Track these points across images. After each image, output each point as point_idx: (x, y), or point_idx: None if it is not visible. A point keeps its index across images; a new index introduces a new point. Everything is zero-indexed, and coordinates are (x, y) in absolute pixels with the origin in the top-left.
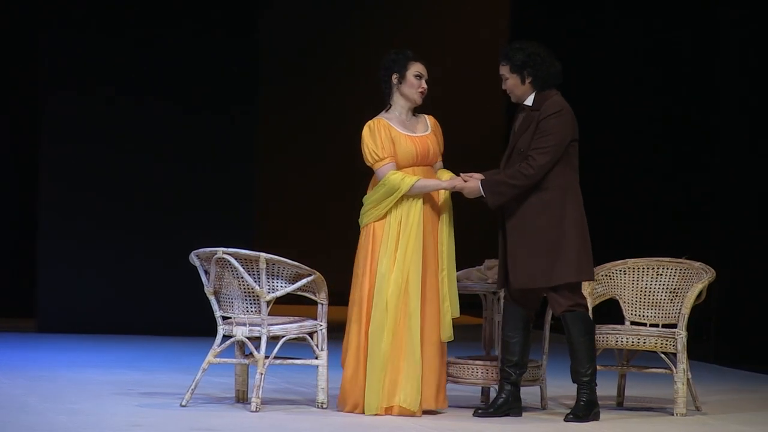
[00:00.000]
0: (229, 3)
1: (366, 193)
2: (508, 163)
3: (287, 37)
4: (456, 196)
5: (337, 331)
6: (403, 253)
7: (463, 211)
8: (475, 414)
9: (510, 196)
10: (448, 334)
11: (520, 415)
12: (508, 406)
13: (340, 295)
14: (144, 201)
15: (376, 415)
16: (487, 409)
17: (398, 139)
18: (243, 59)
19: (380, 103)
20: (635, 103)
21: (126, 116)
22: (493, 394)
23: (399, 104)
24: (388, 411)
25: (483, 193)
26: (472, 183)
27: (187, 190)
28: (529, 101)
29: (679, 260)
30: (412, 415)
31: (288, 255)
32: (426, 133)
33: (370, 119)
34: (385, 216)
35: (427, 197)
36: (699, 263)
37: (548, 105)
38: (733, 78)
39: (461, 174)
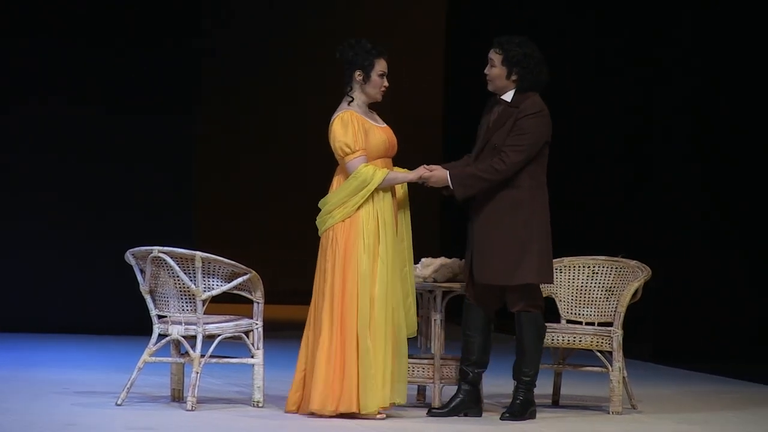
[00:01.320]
0: (180, 3)
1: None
2: (480, 157)
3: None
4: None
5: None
6: (385, 249)
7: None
8: (429, 413)
9: (478, 189)
10: (413, 329)
11: (480, 416)
12: (465, 406)
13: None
14: (84, 202)
15: (376, 415)
16: (441, 408)
17: (371, 130)
18: (186, 61)
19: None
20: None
21: (66, 121)
22: (429, 393)
23: (360, 98)
24: (386, 408)
25: (450, 185)
26: (439, 173)
27: (127, 191)
28: (507, 96)
29: (615, 258)
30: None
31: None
32: (386, 125)
33: (335, 111)
34: (353, 214)
35: (393, 191)
36: (635, 262)
37: (528, 104)
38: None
39: (423, 165)
